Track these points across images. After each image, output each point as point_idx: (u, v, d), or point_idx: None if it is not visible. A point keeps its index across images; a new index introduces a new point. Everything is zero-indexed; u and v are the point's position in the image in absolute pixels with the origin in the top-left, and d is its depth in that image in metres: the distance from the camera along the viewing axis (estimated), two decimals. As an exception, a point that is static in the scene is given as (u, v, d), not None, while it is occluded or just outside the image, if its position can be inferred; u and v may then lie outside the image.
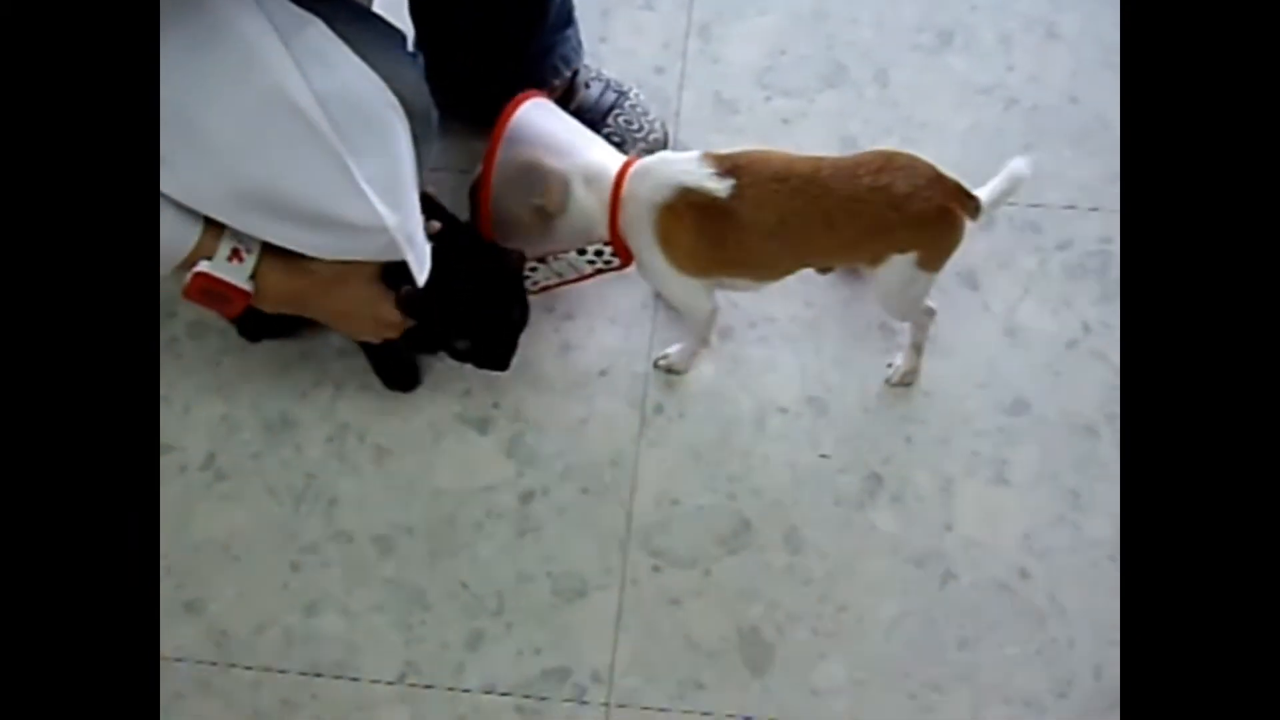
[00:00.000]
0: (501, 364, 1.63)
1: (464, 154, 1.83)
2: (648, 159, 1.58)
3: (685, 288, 1.61)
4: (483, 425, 1.72)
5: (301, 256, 1.46)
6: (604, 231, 1.58)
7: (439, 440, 1.72)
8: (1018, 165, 1.58)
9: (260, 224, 1.36)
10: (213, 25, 1.23)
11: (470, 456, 1.70)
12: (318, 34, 1.31)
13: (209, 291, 1.41)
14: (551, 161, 1.56)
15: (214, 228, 1.40)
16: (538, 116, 1.62)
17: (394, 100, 1.35)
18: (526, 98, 1.62)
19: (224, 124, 1.25)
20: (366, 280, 1.52)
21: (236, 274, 1.41)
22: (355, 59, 1.33)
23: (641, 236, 1.56)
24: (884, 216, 1.49)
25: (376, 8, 1.58)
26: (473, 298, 1.55)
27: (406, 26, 1.75)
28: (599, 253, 1.61)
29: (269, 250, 1.44)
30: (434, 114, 1.44)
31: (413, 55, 1.43)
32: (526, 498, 1.68)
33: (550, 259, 1.63)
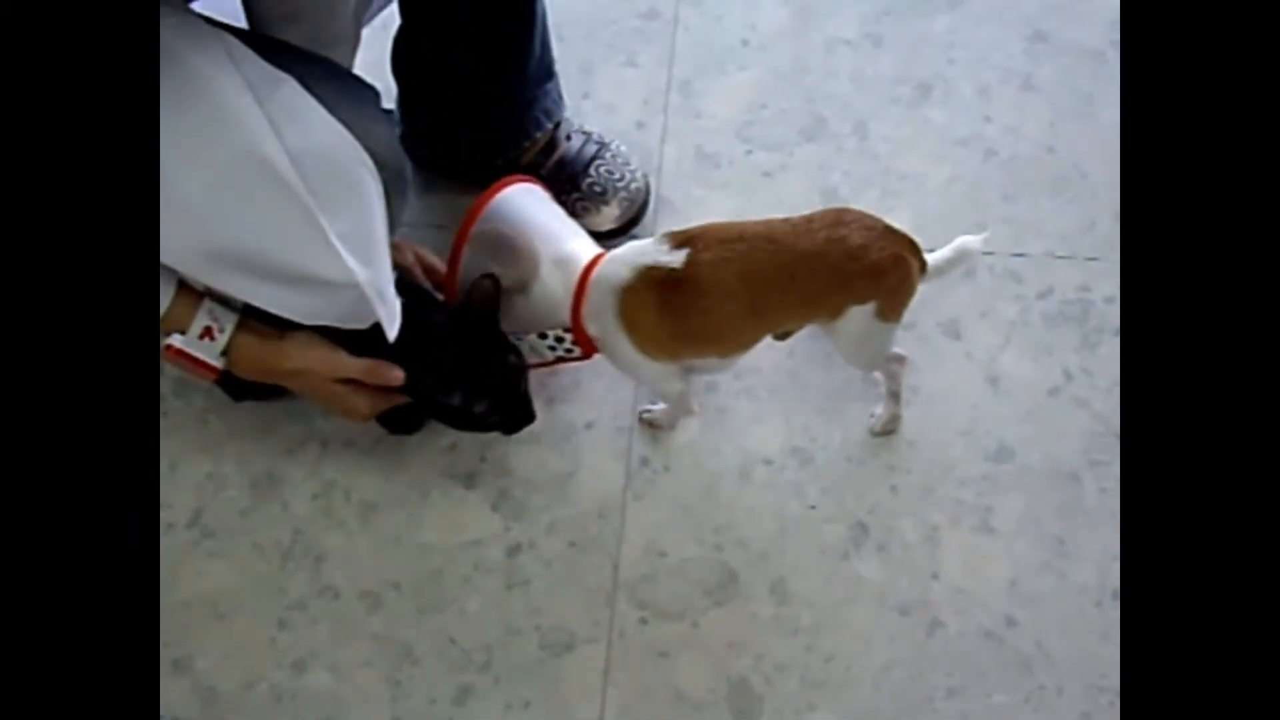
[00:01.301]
0: (527, 414, 1.64)
1: (445, 210, 1.85)
2: (614, 250, 1.58)
3: (654, 372, 1.61)
4: (469, 480, 1.72)
5: (277, 332, 1.48)
6: (566, 317, 1.58)
7: (425, 495, 1.72)
8: (969, 241, 1.62)
9: (233, 281, 1.37)
10: (186, 83, 1.25)
11: (457, 511, 1.71)
12: (291, 92, 1.32)
13: (180, 363, 1.45)
14: (526, 240, 1.57)
15: (190, 299, 1.42)
16: (525, 200, 1.63)
17: (366, 157, 1.36)
18: (514, 180, 1.63)
19: (197, 182, 1.26)
20: (339, 372, 1.55)
21: (207, 351, 1.45)
22: (328, 117, 1.34)
23: (606, 323, 1.56)
24: (842, 268, 1.50)
25: (358, 62, 1.60)
26: (462, 356, 1.55)
27: (386, 82, 1.77)
28: (559, 339, 1.61)
29: (243, 327, 1.46)
30: (407, 170, 1.46)
31: (386, 112, 1.44)
32: (513, 551, 1.68)
33: (511, 337, 1.63)
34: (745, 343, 1.60)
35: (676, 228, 1.55)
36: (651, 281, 1.52)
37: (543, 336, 1.62)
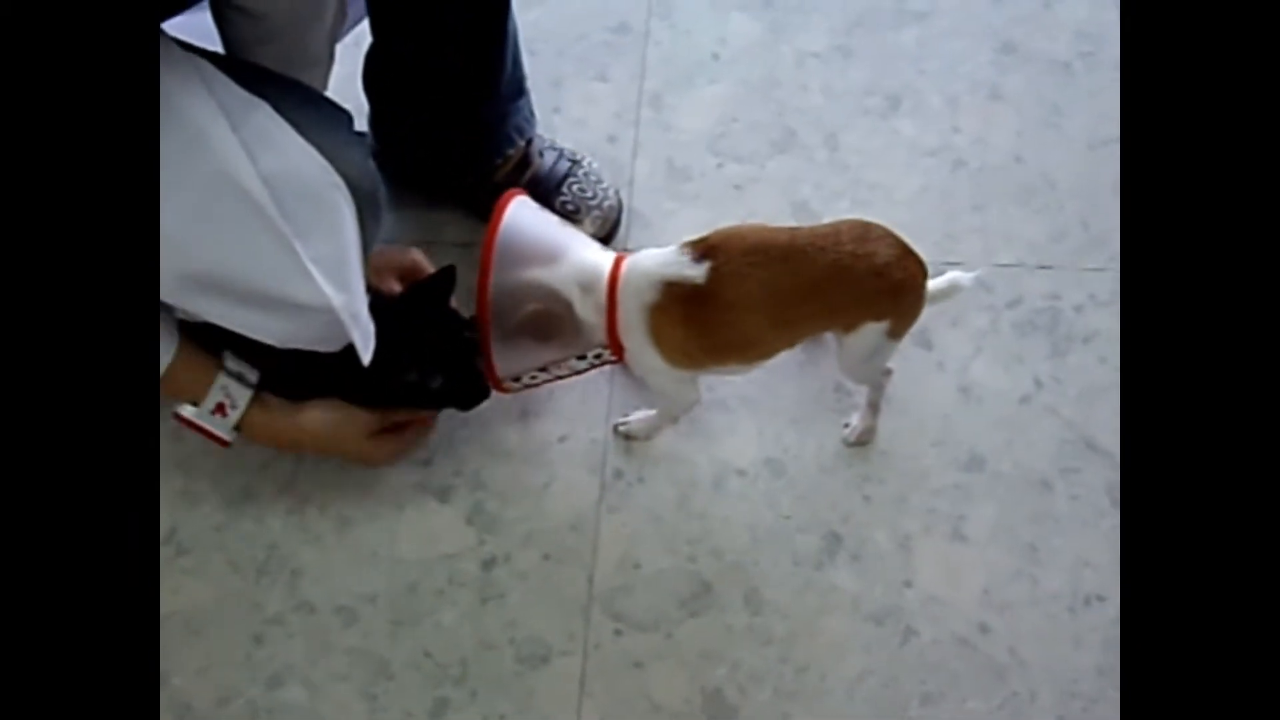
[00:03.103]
0: (481, 389, 1.64)
1: (421, 227, 1.85)
2: (634, 257, 1.57)
3: (678, 382, 1.62)
4: (444, 494, 1.73)
5: (293, 405, 1.57)
6: (603, 337, 1.58)
7: (400, 510, 1.72)
8: (961, 277, 1.63)
9: (207, 305, 1.38)
10: (160, 109, 1.25)
11: (432, 525, 1.71)
12: (264, 117, 1.33)
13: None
14: (545, 279, 1.55)
15: (205, 369, 1.48)
16: (528, 218, 1.61)
17: (339, 181, 1.36)
18: (509, 199, 1.60)
19: (171, 206, 1.26)
20: (359, 436, 1.63)
21: (219, 426, 1.52)
22: (301, 141, 1.34)
23: (635, 336, 1.56)
24: (866, 284, 1.50)
25: (335, 82, 1.60)
26: (417, 333, 1.57)
27: (357, 99, 1.77)
28: (598, 355, 1.62)
29: (257, 401, 1.53)
30: (380, 193, 1.47)
31: (359, 135, 1.45)
32: (488, 565, 1.68)
33: (551, 366, 1.64)
34: (770, 351, 1.60)
35: (693, 236, 1.55)
36: (677, 297, 1.52)
37: (580, 358, 1.62)
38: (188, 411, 1.48)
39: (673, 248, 1.54)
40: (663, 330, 1.54)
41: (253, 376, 1.53)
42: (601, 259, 1.58)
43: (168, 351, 1.41)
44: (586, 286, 1.55)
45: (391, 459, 1.69)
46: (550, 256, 1.57)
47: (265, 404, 1.53)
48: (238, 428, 1.52)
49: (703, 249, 1.52)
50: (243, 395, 1.50)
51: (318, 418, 1.60)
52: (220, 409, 1.49)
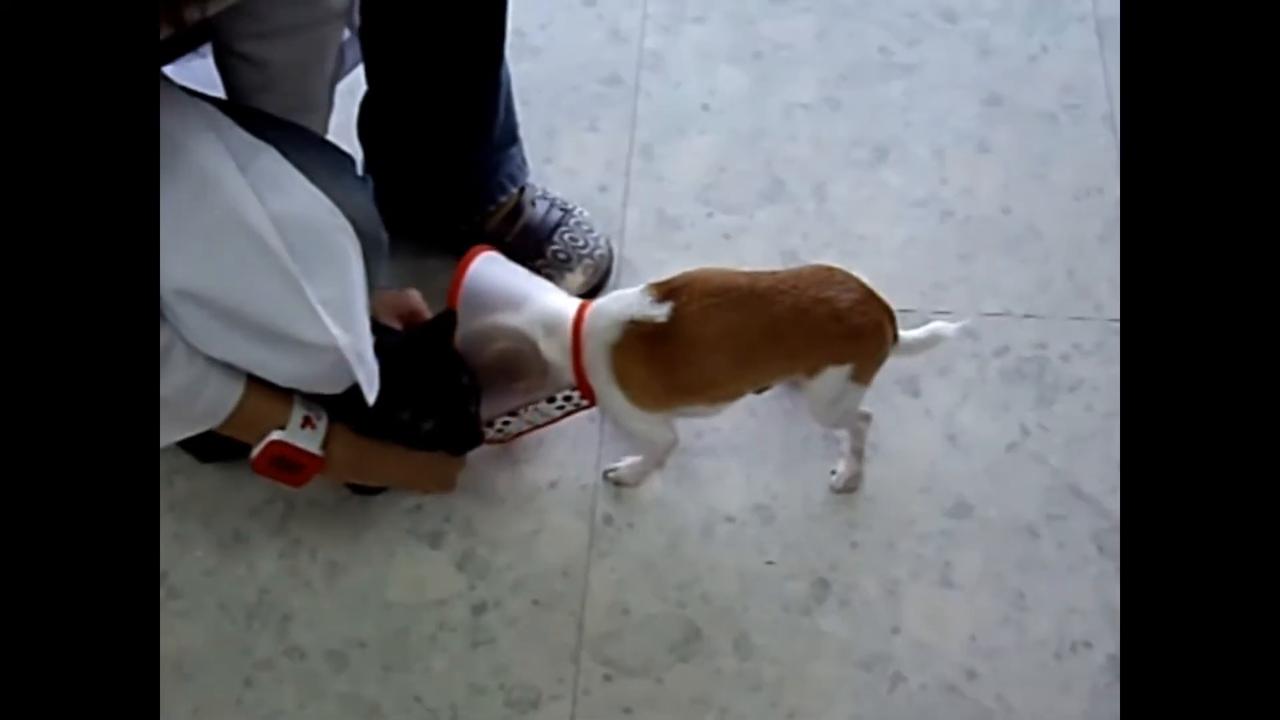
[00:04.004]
0: (474, 435, 1.65)
1: (414, 274, 1.86)
2: (599, 300, 1.61)
3: (647, 422, 1.64)
4: (434, 539, 1.73)
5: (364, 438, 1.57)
6: (571, 378, 1.60)
7: (391, 555, 1.72)
8: (943, 328, 1.66)
9: (217, 344, 1.38)
10: (168, 151, 1.26)
11: (422, 570, 1.71)
12: (271, 160, 1.35)
13: (281, 460, 1.50)
14: (510, 321, 1.58)
15: (279, 398, 1.47)
16: (492, 271, 1.64)
17: (345, 224, 1.38)
18: (474, 255, 1.64)
19: (182, 248, 1.27)
20: (437, 458, 1.66)
21: (310, 440, 1.50)
22: (308, 184, 1.36)
23: (600, 377, 1.59)
24: (826, 328, 1.53)
25: (330, 129, 1.62)
26: (414, 374, 1.57)
27: (353, 148, 1.79)
28: (568, 398, 1.64)
29: (334, 418, 1.53)
30: (384, 236, 1.48)
31: (362, 179, 1.46)
32: (478, 610, 1.68)
33: (522, 410, 1.66)
34: (733, 393, 1.63)
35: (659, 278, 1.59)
36: (639, 336, 1.55)
37: (550, 399, 1.64)
38: (278, 434, 1.47)
39: (638, 289, 1.58)
40: (626, 369, 1.57)
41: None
42: (566, 303, 1.62)
43: (236, 391, 1.42)
44: (550, 328, 1.58)
45: (456, 475, 1.73)
46: (516, 303, 1.60)
47: (340, 428, 1.55)
48: (324, 445, 1.52)
49: (666, 290, 1.55)
50: (320, 409, 1.51)
51: (394, 445, 1.62)
52: (308, 421, 1.49)
